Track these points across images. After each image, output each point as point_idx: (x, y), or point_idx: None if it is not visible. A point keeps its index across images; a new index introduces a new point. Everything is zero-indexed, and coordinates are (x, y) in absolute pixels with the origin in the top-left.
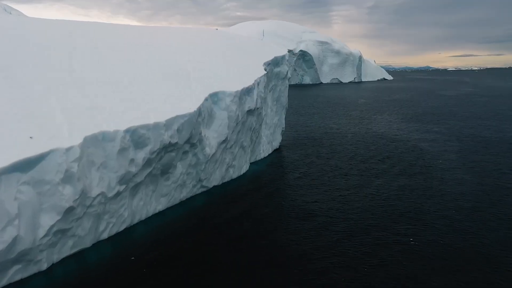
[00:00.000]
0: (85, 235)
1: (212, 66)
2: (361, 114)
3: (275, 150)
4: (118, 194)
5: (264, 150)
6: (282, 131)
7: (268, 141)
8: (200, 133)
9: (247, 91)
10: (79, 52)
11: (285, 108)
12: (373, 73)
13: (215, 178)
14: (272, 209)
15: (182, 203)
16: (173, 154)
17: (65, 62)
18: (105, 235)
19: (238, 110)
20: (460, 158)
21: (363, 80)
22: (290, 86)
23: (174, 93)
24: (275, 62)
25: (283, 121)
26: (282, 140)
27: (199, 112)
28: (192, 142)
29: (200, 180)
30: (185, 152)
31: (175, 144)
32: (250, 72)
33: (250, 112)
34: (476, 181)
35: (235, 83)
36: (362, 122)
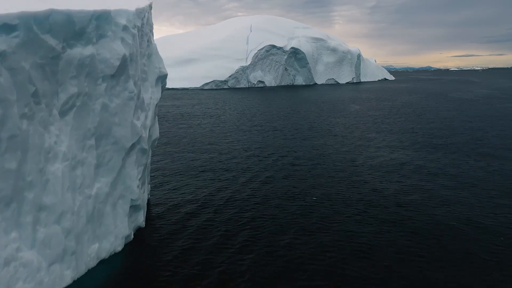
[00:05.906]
0: None
1: None
2: (349, 134)
3: (129, 244)
4: None
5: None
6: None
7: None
8: None
9: None
10: None
11: (144, 153)
12: (374, 73)
13: None
14: None
15: None
16: None
17: None
18: None
19: None
20: None
21: (362, 80)
22: (281, 87)
23: None
24: (73, 31)
25: (147, 176)
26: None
27: None
28: None
29: None
30: None
31: None
32: None
33: None
34: None
35: None
36: (346, 151)
